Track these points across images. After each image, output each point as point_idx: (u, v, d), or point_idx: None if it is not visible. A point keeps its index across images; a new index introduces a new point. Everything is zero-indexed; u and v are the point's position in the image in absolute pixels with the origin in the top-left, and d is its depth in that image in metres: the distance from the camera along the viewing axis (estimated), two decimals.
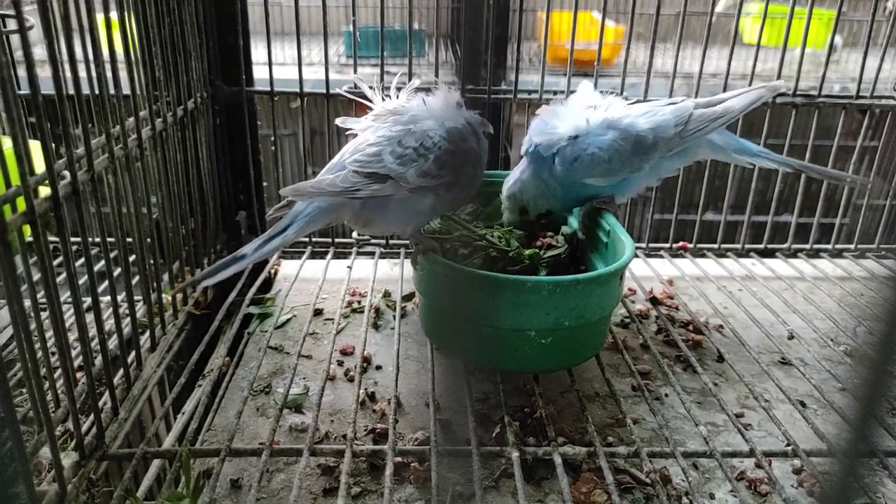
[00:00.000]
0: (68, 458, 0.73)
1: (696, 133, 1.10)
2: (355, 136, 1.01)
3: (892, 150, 1.71)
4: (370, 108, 1.02)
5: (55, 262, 0.70)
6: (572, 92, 1.24)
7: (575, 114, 1.11)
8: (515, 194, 1.14)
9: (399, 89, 1.02)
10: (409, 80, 1.05)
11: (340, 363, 1.11)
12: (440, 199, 0.97)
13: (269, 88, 1.32)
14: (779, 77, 1.38)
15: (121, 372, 0.87)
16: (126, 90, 0.85)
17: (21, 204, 0.62)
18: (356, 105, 1.12)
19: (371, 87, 1.03)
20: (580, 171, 1.08)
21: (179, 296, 1.08)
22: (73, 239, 0.72)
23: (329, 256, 1.38)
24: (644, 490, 0.85)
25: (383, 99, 1.01)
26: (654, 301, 1.28)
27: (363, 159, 0.92)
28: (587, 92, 1.16)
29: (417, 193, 0.94)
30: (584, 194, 1.13)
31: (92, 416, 0.78)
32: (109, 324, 0.93)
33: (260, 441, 0.90)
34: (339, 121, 1.03)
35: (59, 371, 0.71)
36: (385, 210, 0.95)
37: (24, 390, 0.74)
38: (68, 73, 0.71)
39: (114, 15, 0.82)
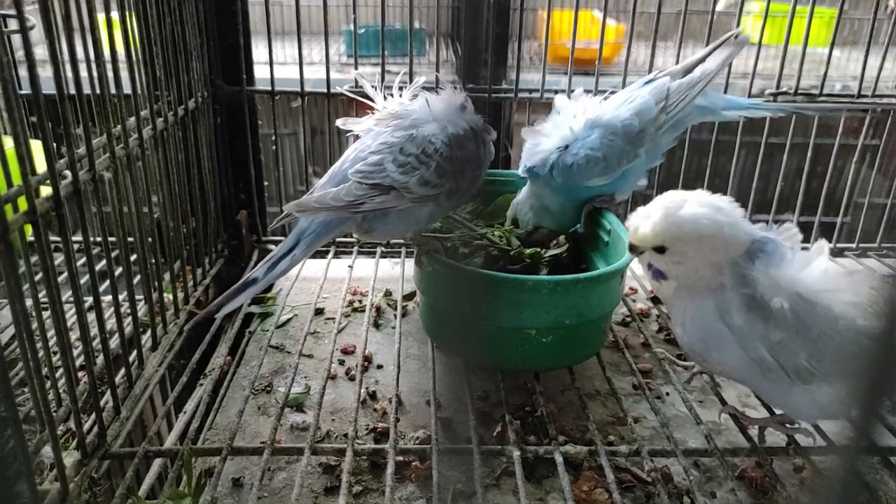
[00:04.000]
0: (70, 457, 0.73)
1: (679, 105, 1.09)
2: (356, 136, 1.00)
3: (893, 148, 1.70)
4: (371, 108, 1.02)
5: (56, 262, 0.70)
6: (564, 93, 1.23)
7: (558, 127, 1.11)
8: (513, 206, 1.17)
9: (401, 88, 1.01)
10: (410, 79, 1.05)
11: (341, 362, 1.11)
12: (440, 206, 0.96)
13: (269, 88, 1.32)
14: (780, 76, 1.38)
15: (122, 371, 0.87)
16: (127, 90, 0.86)
17: (22, 203, 0.63)
18: (357, 104, 1.12)
19: (374, 87, 1.02)
20: (578, 175, 1.07)
21: (181, 294, 1.08)
22: (74, 238, 0.72)
23: (330, 256, 1.38)
24: (645, 489, 0.85)
25: (385, 98, 1.01)
26: (655, 300, 1.28)
27: (366, 169, 0.91)
28: (564, 105, 1.15)
29: (418, 202, 0.93)
30: (585, 196, 1.13)
31: (94, 415, 0.78)
32: (111, 323, 0.93)
33: (261, 440, 0.90)
34: (339, 122, 1.02)
35: (60, 370, 0.71)
36: (386, 220, 0.94)
37: (26, 389, 0.74)
38: (69, 73, 0.71)
39: (115, 15, 0.83)
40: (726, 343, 0.78)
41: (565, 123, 1.10)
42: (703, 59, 1.14)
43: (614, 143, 1.06)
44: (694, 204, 0.77)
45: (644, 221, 0.79)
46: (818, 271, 0.77)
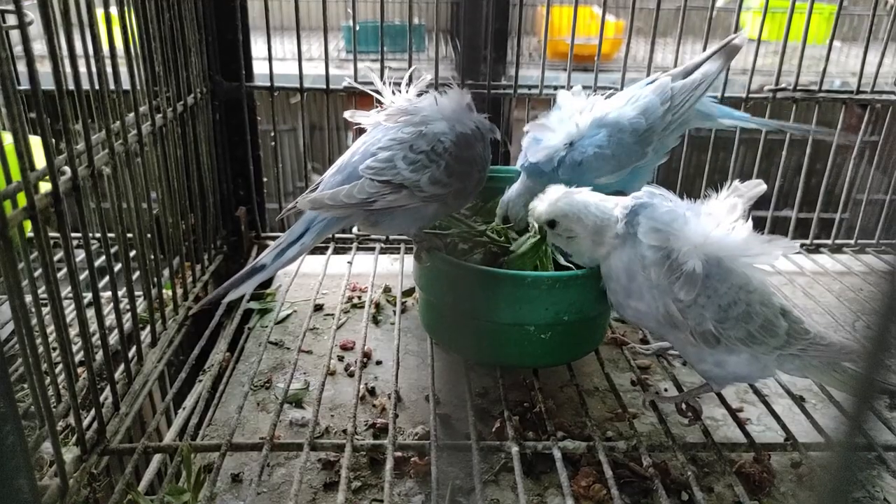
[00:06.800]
0: (70, 453, 0.73)
1: (683, 105, 1.09)
2: (360, 130, 1.00)
3: (892, 145, 1.71)
4: (373, 104, 1.01)
5: (56, 258, 0.70)
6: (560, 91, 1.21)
7: (563, 122, 1.08)
8: (504, 203, 1.12)
9: (408, 84, 1.01)
10: (410, 75, 1.04)
11: (341, 358, 1.11)
12: (447, 205, 0.97)
13: (268, 84, 1.32)
14: (779, 72, 1.38)
15: (122, 367, 0.87)
16: (126, 86, 0.86)
17: (21, 199, 0.63)
18: (356, 100, 1.12)
19: (384, 83, 1.01)
20: (588, 173, 1.05)
21: (180, 290, 1.08)
22: (73, 234, 0.72)
23: (329, 252, 1.38)
24: (643, 483, 0.85)
25: (393, 93, 1.00)
26: None
27: (377, 165, 0.91)
28: (567, 100, 1.13)
29: (428, 201, 0.94)
30: None
31: (93, 411, 0.78)
32: (110, 319, 0.94)
33: (260, 436, 0.90)
34: (347, 114, 1.02)
35: (60, 366, 0.72)
36: (392, 215, 0.95)
37: (26, 385, 0.74)
38: (68, 69, 0.71)
39: (114, 10, 0.82)
40: (644, 292, 0.83)
41: (570, 119, 1.08)
42: (701, 63, 1.13)
43: (623, 141, 1.05)
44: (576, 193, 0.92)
45: (539, 202, 0.92)
46: (741, 237, 0.80)
